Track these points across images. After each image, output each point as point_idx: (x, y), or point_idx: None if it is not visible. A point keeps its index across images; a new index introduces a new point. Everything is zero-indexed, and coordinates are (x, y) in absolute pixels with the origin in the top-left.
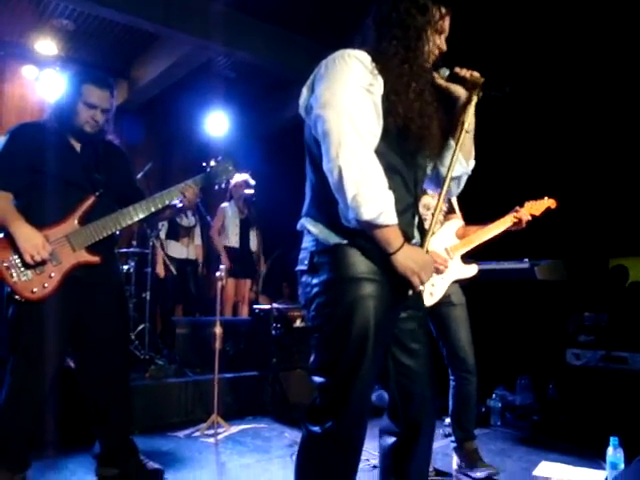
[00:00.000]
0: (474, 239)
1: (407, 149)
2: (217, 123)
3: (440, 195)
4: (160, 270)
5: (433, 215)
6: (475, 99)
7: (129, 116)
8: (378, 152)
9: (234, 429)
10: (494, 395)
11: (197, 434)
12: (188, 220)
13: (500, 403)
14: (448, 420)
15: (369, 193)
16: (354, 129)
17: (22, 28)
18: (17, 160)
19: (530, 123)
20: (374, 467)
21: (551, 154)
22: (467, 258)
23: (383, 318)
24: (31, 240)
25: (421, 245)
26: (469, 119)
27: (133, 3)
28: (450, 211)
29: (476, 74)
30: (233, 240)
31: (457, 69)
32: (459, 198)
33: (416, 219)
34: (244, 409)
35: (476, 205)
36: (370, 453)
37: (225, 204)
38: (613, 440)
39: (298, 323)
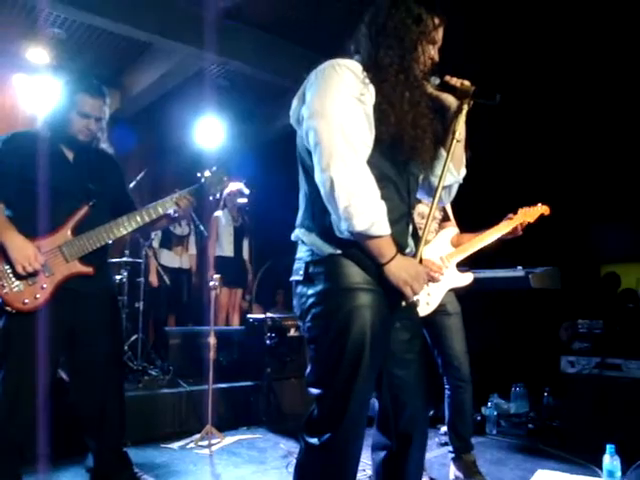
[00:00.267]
0: (469, 247)
1: (399, 158)
2: (210, 132)
3: (432, 205)
4: (153, 279)
5: (426, 224)
6: (466, 108)
7: (121, 125)
8: (371, 161)
9: (228, 440)
10: (489, 403)
11: (191, 445)
12: (181, 229)
13: (495, 411)
14: (444, 429)
15: (361, 204)
16: (345, 139)
17: (13, 36)
18: (9, 169)
19: (523, 131)
20: (370, 477)
21: (543, 162)
22: (462, 266)
23: (379, 328)
24: (23, 251)
25: (415, 254)
26: (460, 128)
27: (126, 12)
28: (445, 219)
29: (466, 83)
30: (227, 249)
31: (447, 77)
32: (453, 206)
33: (410, 228)
34: (238, 419)
35: (470, 213)
36: (366, 463)
37: (219, 213)
38: (610, 448)
39: (292, 332)
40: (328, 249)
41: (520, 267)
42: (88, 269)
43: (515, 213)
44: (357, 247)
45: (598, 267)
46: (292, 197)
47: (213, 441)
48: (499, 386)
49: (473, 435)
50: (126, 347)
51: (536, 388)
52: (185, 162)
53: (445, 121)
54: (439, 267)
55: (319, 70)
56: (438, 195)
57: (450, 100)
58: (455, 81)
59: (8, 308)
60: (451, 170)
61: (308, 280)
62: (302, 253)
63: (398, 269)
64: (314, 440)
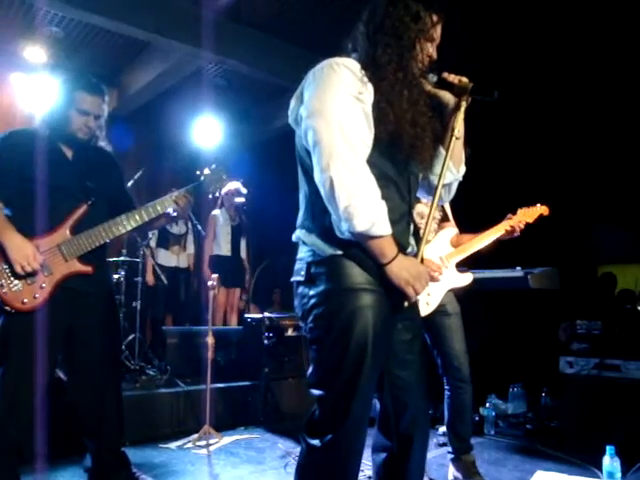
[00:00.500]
0: (468, 247)
1: (399, 157)
2: (208, 131)
3: (432, 203)
4: (149, 279)
5: (426, 223)
6: (464, 105)
7: (119, 124)
8: (371, 161)
9: (226, 440)
10: (487, 404)
11: (189, 445)
12: (179, 228)
13: (493, 412)
14: (442, 429)
15: (361, 204)
16: (345, 139)
17: (11, 35)
18: (7, 167)
19: (523, 133)
20: (369, 478)
21: (542, 163)
22: (461, 267)
23: (381, 328)
24: (22, 250)
25: (416, 254)
26: (459, 125)
27: (123, 11)
28: (444, 219)
29: (464, 79)
30: (224, 248)
31: (445, 74)
32: (453, 206)
33: (411, 227)
34: (236, 419)
35: (470, 213)
36: (364, 463)
37: (216, 212)
38: (610, 449)
39: (290, 332)
40: (329, 250)
41: (519, 267)
42: (87, 268)
43: (514, 213)
44: (358, 247)
45: (595, 268)
46: (289, 197)
47: (211, 441)
48: (497, 386)
49: (472, 436)
50: (123, 346)
51: (534, 389)
52: (182, 161)
53: (443, 119)
54: (438, 266)
55: (317, 69)
56: (438, 193)
57: (448, 97)
58: (453, 78)
59: (7, 308)
60: (450, 168)
61: (310, 281)
62: (303, 253)
63: (400, 269)
64: (316, 441)
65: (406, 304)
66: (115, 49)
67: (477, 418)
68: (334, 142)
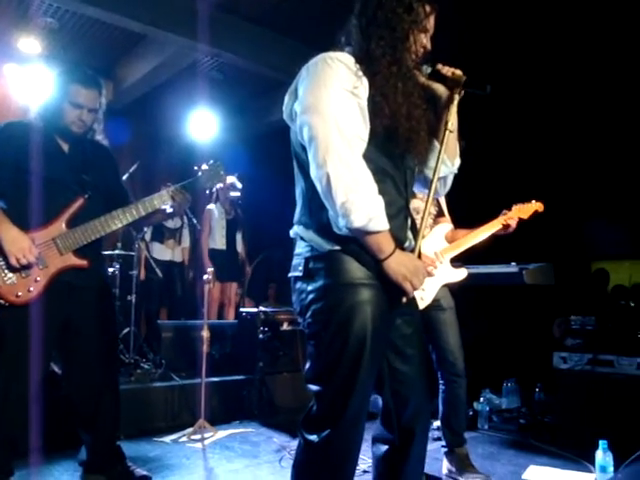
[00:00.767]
0: (463, 243)
1: (396, 151)
2: (203, 124)
3: (428, 197)
4: (141, 272)
5: (422, 218)
6: (457, 98)
7: (114, 117)
8: (367, 155)
9: (221, 434)
10: (481, 398)
11: (184, 439)
12: (174, 222)
13: (487, 406)
14: (437, 424)
15: (358, 199)
16: (340, 134)
17: (5, 26)
18: (3, 159)
19: (518, 130)
20: (364, 472)
21: (537, 160)
22: (456, 262)
23: (380, 323)
24: (17, 243)
25: (413, 249)
26: (452, 118)
27: (119, 2)
28: (439, 214)
29: (458, 72)
30: (219, 242)
31: (439, 66)
32: (448, 202)
33: (409, 221)
34: (230, 413)
35: (465, 209)
36: (360, 458)
37: (211, 206)
38: (602, 444)
39: (285, 326)
40: (327, 245)
41: (514, 263)
42: (82, 262)
43: (509, 209)
44: (356, 243)
45: (589, 264)
46: (284, 191)
47: (206, 435)
48: (491, 381)
49: (465, 430)
50: (118, 340)
51: (528, 384)
52: (178, 154)
53: (437, 111)
54: (432, 260)
55: (311, 64)
56: (434, 187)
57: (441, 90)
58: (447, 70)
59: (1, 301)
60: (445, 161)
61: (308, 276)
62: (301, 249)
63: (397, 264)
64: (313, 437)
65: (404, 300)
66: (110, 41)
67: (471, 413)
68: (330, 138)
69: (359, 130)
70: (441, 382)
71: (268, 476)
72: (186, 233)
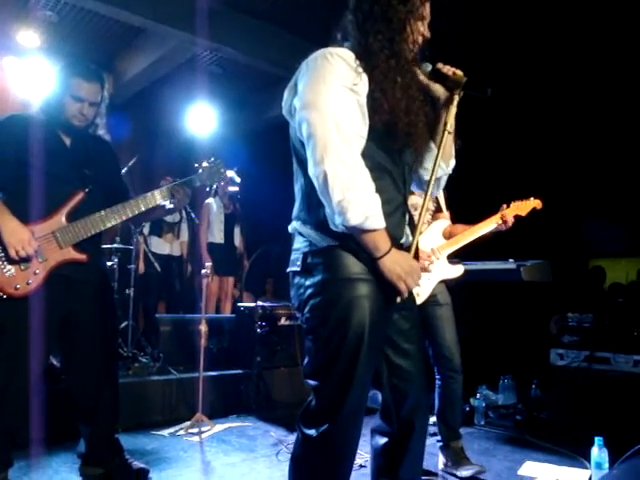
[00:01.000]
0: (460, 239)
1: (394, 147)
2: (202, 119)
3: (424, 200)
4: (140, 266)
5: (419, 218)
6: (456, 99)
7: (113, 111)
8: (365, 152)
9: (218, 427)
10: (478, 394)
11: (181, 432)
12: (172, 216)
13: (484, 402)
14: (433, 419)
15: (355, 198)
16: (339, 131)
17: (4, 18)
18: (4, 152)
19: (517, 127)
20: (361, 466)
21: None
22: (453, 258)
23: (377, 318)
24: (17, 235)
25: (409, 247)
26: (451, 120)
27: None
28: (437, 210)
29: (459, 72)
30: (218, 236)
31: (439, 65)
32: (447, 198)
33: (407, 217)
34: (228, 407)
35: (464, 206)
36: (357, 453)
37: (210, 200)
38: (598, 440)
39: (283, 321)
40: (325, 241)
41: (512, 260)
42: (82, 256)
43: (508, 206)
44: (354, 239)
45: (587, 261)
46: (283, 186)
47: (203, 429)
48: (488, 377)
49: (461, 426)
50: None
51: (525, 380)
52: (177, 148)
53: (436, 111)
54: (428, 256)
55: (310, 60)
56: (430, 189)
57: (440, 91)
58: (447, 69)
59: (0, 293)
60: (440, 164)
61: (306, 271)
62: (299, 244)
63: (392, 263)
64: (312, 431)
65: (398, 300)
66: (110, 35)
67: (467, 409)
68: (328, 135)
69: (358, 127)
70: (437, 377)
71: (265, 470)
72: (185, 227)
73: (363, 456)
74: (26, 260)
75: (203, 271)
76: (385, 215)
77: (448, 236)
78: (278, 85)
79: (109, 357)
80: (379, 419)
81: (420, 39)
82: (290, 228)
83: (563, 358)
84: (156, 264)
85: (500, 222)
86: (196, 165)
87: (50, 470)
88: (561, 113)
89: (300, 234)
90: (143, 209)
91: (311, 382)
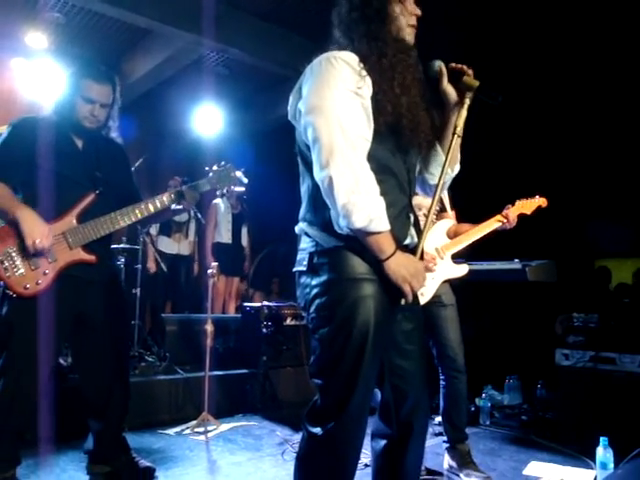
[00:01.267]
0: (464, 239)
1: (400, 147)
2: (208, 120)
3: (431, 204)
4: (151, 265)
5: (426, 221)
6: (467, 102)
7: (119, 112)
8: (371, 154)
9: (224, 427)
10: (483, 394)
11: (187, 432)
12: (180, 216)
13: (489, 403)
14: (438, 419)
15: (360, 201)
16: (344, 135)
17: (12, 20)
18: (16, 153)
19: (524, 126)
20: (366, 465)
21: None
22: (457, 258)
23: (382, 318)
24: (37, 226)
25: (414, 249)
26: (461, 123)
27: None
28: (441, 210)
29: (470, 73)
30: (225, 236)
31: (452, 64)
32: (452, 197)
33: (411, 218)
34: (234, 407)
35: (470, 204)
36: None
37: (217, 200)
38: (603, 440)
39: (289, 321)
40: (332, 241)
41: (517, 260)
42: (91, 257)
43: (512, 205)
44: (359, 241)
45: (593, 262)
46: (289, 187)
47: (209, 428)
48: (493, 378)
49: (467, 426)
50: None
51: (530, 380)
52: (183, 149)
53: (443, 113)
54: (432, 257)
55: (315, 64)
56: (438, 194)
57: (452, 95)
58: (460, 67)
59: (9, 292)
60: (447, 170)
61: (312, 271)
62: (306, 244)
63: (397, 266)
64: (317, 430)
65: (403, 302)
66: (116, 36)
67: (473, 409)
68: (333, 139)
69: (363, 130)
70: (442, 377)
71: (270, 469)
72: (193, 227)
73: (368, 455)
74: (40, 254)
75: (209, 271)
76: (390, 217)
77: (453, 235)
78: (284, 85)
79: (120, 356)
80: (378, 420)
81: (412, 19)
82: (297, 229)
83: (568, 358)
84: (162, 264)
85: (504, 221)
86: (206, 169)
87: (57, 469)
88: (567, 112)
89: (307, 235)
90: (152, 211)
91: (317, 381)
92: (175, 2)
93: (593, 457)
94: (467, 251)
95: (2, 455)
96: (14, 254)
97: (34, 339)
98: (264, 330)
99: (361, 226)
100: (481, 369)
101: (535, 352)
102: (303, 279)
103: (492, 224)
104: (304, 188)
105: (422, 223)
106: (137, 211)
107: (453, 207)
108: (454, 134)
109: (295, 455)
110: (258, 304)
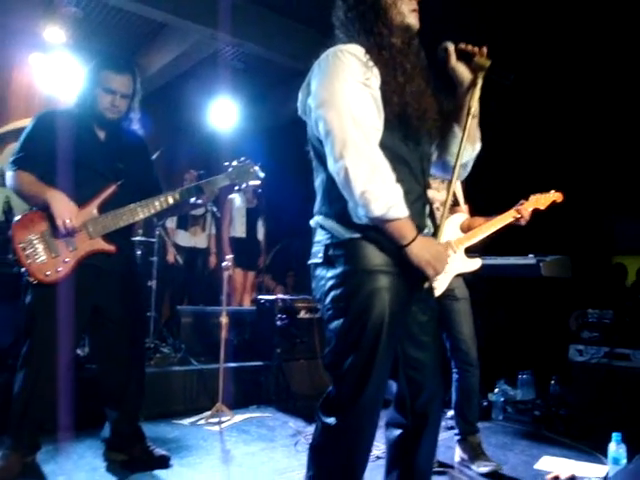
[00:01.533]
0: (477, 233)
1: (410, 135)
2: (224, 113)
3: (450, 183)
4: (170, 258)
5: (445, 201)
6: (480, 82)
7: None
8: (383, 144)
9: (238, 418)
10: (496, 389)
11: (202, 422)
12: (196, 209)
13: (502, 397)
14: (450, 413)
15: (377, 189)
16: (356, 126)
17: (30, 15)
18: (40, 145)
19: (541, 118)
20: (377, 458)
21: (559, 150)
22: (472, 252)
23: (397, 310)
24: (67, 207)
25: (434, 235)
26: (475, 103)
27: None
28: (454, 204)
29: (484, 52)
30: (239, 230)
31: (462, 45)
32: (466, 190)
33: (427, 208)
34: (248, 398)
35: (484, 198)
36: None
37: (233, 195)
38: (616, 436)
39: (302, 314)
40: (347, 233)
41: (531, 255)
42: (110, 247)
43: (526, 199)
44: (376, 230)
45: (610, 258)
46: (304, 180)
47: (223, 418)
48: (506, 372)
49: (479, 420)
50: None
51: (543, 376)
52: (199, 143)
53: (458, 95)
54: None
55: (322, 59)
56: (457, 173)
57: (465, 74)
58: (471, 48)
59: (30, 278)
60: (466, 147)
61: (328, 262)
62: (321, 237)
63: (420, 249)
64: (331, 420)
65: (426, 285)
66: (133, 30)
67: (486, 403)
68: (346, 130)
69: (374, 121)
70: (454, 371)
71: (283, 459)
72: (209, 219)
73: (380, 447)
74: (69, 234)
75: (224, 264)
76: (407, 204)
77: (466, 229)
78: (300, 79)
79: (136, 346)
80: (393, 410)
81: (412, 4)
82: (312, 222)
83: (582, 354)
84: (178, 257)
85: (518, 216)
86: (226, 164)
87: (75, 455)
88: (585, 104)
89: (322, 227)
90: (172, 203)
91: (331, 371)
92: None
93: (605, 453)
94: (481, 246)
95: (23, 441)
96: (36, 242)
97: (54, 327)
98: (278, 323)
99: (380, 214)
100: (494, 364)
101: (549, 348)
102: (318, 271)
103: (506, 219)
104: (318, 182)
105: (439, 214)
106: (157, 203)
107: (466, 201)
108: (468, 114)
109: (308, 445)
110: (272, 297)
